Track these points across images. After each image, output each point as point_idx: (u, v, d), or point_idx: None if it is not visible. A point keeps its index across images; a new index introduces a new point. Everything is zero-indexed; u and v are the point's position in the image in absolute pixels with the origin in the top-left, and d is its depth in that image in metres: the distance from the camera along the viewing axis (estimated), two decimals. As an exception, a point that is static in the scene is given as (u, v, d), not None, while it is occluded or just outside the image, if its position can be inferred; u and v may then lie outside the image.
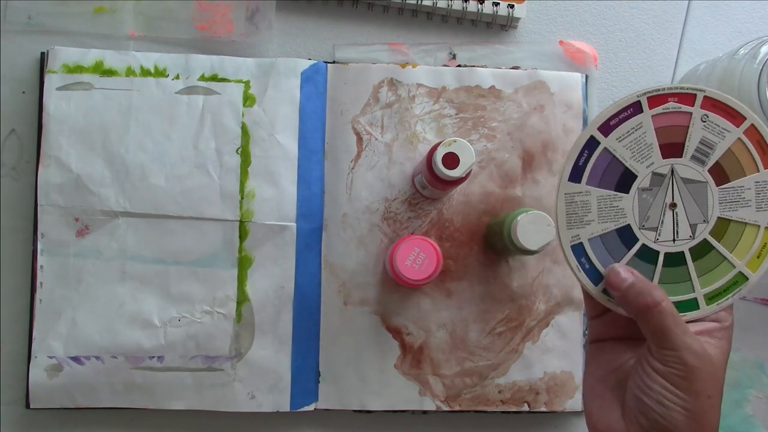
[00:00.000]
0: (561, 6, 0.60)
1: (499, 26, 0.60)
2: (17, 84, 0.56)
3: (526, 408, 0.55)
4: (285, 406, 0.54)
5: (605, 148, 0.37)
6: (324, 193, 0.56)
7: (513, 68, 0.58)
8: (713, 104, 0.37)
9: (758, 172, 0.37)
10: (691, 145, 0.37)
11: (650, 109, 0.37)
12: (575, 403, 0.55)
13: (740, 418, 0.57)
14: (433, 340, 0.55)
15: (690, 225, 0.37)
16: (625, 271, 0.36)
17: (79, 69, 0.55)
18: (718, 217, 0.37)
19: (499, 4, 0.58)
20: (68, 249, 0.53)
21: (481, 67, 0.58)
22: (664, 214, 0.37)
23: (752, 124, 0.37)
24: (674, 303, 0.36)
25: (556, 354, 0.56)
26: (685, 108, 0.37)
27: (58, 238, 0.53)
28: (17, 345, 0.54)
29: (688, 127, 0.37)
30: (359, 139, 0.56)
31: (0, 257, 0.55)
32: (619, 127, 0.37)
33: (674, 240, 0.37)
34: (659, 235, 0.37)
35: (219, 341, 0.53)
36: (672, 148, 0.37)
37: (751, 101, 0.48)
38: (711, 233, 0.37)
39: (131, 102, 0.54)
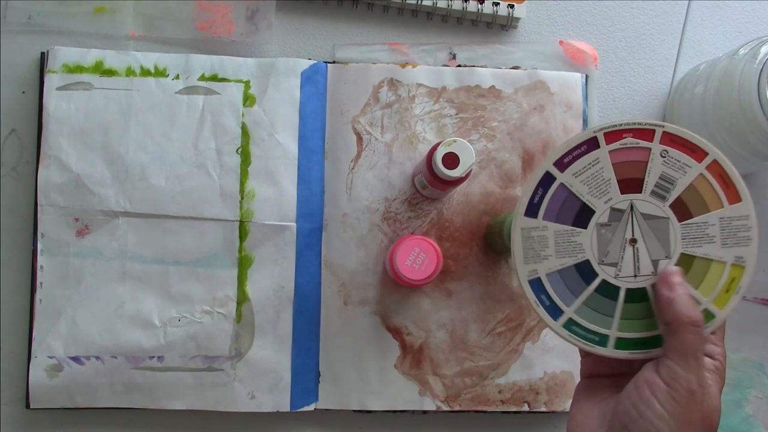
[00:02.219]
0: (561, 6, 0.60)
1: (499, 26, 0.60)
2: (17, 84, 0.56)
3: (526, 408, 0.55)
4: (285, 406, 0.54)
5: (561, 183, 0.37)
6: (324, 193, 0.56)
7: (513, 68, 0.58)
8: (672, 139, 0.36)
9: (722, 207, 0.36)
10: (650, 181, 0.37)
11: (607, 144, 0.37)
12: (575, 403, 0.55)
13: (740, 418, 0.57)
14: (433, 340, 0.55)
15: (651, 261, 0.36)
16: (681, 277, 0.35)
17: (79, 69, 0.55)
18: (682, 253, 0.36)
19: (499, 4, 0.58)
20: (68, 249, 0.53)
21: (481, 67, 0.58)
22: (624, 250, 0.37)
23: (715, 159, 0.36)
24: (637, 340, 0.36)
25: (556, 354, 0.56)
26: (643, 143, 0.37)
27: (58, 238, 0.53)
28: (17, 345, 0.54)
29: (647, 162, 0.36)
30: (359, 139, 0.56)
31: (0, 257, 0.55)
32: (576, 162, 0.37)
33: (635, 275, 0.37)
34: (619, 270, 0.37)
35: (219, 341, 0.53)
36: (631, 184, 0.37)
37: (751, 101, 0.48)
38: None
39: (131, 102, 0.54)
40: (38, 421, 0.54)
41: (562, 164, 0.37)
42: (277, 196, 0.55)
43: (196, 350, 0.53)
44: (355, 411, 0.55)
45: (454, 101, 0.57)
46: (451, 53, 0.59)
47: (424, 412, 0.55)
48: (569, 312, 0.37)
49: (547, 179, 0.37)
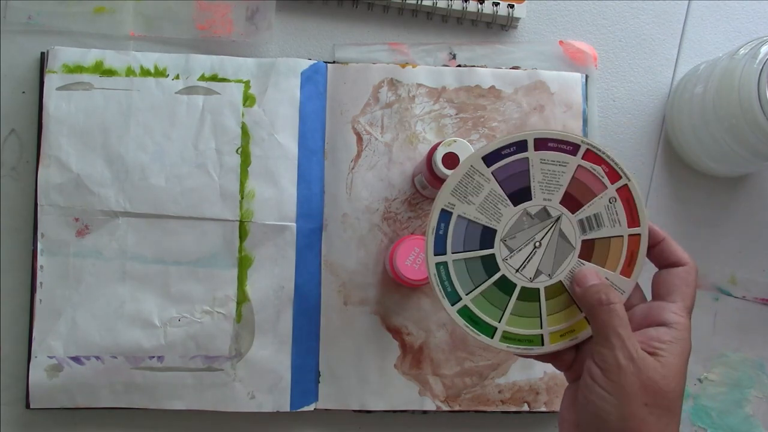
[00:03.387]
0: (561, 6, 0.60)
1: (499, 26, 0.60)
2: (17, 84, 0.56)
3: (526, 408, 0.55)
4: (285, 406, 0.54)
5: (527, 157, 0.38)
6: (324, 193, 0.56)
7: (513, 68, 0.58)
8: (628, 197, 0.38)
9: (613, 272, 0.38)
10: (586, 211, 0.38)
11: (582, 159, 0.38)
12: (575, 403, 0.55)
13: (740, 418, 0.57)
14: (433, 340, 0.55)
15: (536, 270, 0.38)
16: (595, 276, 0.37)
17: (79, 69, 0.55)
18: (560, 281, 0.38)
19: (499, 4, 0.58)
20: (68, 249, 0.53)
21: (481, 67, 0.58)
22: (525, 245, 0.38)
23: (639, 235, 0.38)
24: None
25: (556, 354, 0.56)
26: (605, 180, 0.38)
27: (58, 238, 0.53)
28: (17, 345, 0.54)
29: (596, 196, 0.38)
30: (359, 139, 0.56)
31: (0, 257, 0.55)
32: (551, 152, 0.38)
33: (517, 270, 0.38)
34: (510, 257, 0.38)
35: (219, 341, 0.53)
36: (573, 202, 0.38)
37: (751, 101, 0.48)
38: (546, 288, 0.39)
39: (131, 102, 0.54)
40: (38, 421, 0.54)
41: (542, 144, 0.38)
42: (277, 196, 0.55)
43: (196, 350, 0.53)
44: (355, 411, 0.55)
45: (454, 101, 0.57)
46: (451, 53, 0.59)
47: (424, 412, 0.55)
48: (449, 256, 0.39)
49: (521, 146, 0.38)
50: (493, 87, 0.57)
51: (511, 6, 0.58)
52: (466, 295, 0.39)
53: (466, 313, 0.39)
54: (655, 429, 0.34)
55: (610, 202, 0.38)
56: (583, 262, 0.38)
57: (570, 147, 0.38)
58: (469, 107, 0.57)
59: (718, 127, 0.52)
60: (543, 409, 0.55)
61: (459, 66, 0.58)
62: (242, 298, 0.54)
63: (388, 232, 0.56)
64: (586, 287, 0.37)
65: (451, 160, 0.47)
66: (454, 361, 0.55)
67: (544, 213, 0.38)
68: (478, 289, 0.39)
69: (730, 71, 0.50)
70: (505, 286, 0.39)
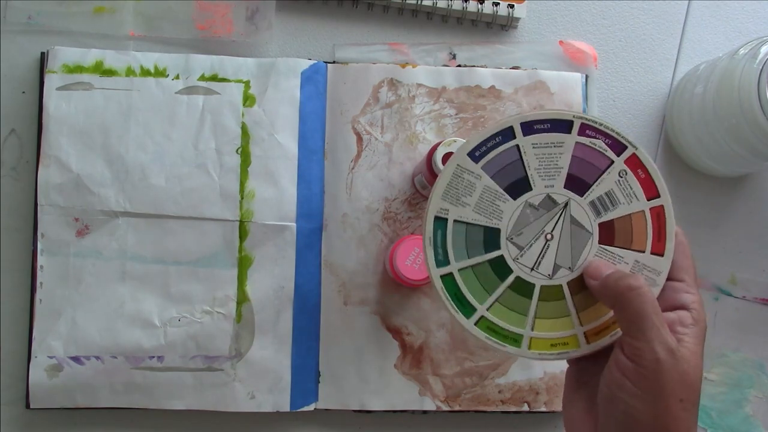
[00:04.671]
0: (561, 6, 0.60)
1: (499, 26, 0.60)
2: (17, 84, 0.56)
3: (526, 408, 0.55)
4: (285, 406, 0.54)
5: (517, 145, 0.35)
6: (324, 193, 0.56)
7: (513, 68, 0.58)
8: (638, 166, 0.35)
9: (644, 252, 0.35)
10: (596, 191, 0.35)
11: (578, 135, 0.35)
12: (575, 403, 0.55)
13: (740, 418, 0.57)
14: (433, 340, 0.55)
15: (554, 264, 0.35)
16: (605, 265, 0.34)
17: (79, 69, 0.55)
18: (582, 274, 0.35)
19: (499, 4, 0.58)
20: (68, 249, 0.53)
21: (481, 67, 0.58)
22: (536, 240, 0.35)
23: (662, 205, 0.35)
24: (505, 332, 0.35)
25: (556, 354, 0.56)
26: (610, 153, 0.35)
27: (58, 238, 0.53)
28: (17, 345, 0.54)
29: (603, 172, 0.35)
30: (359, 139, 0.56)
31: (0, 257, 0.55)
32: (542, 134, 0.35)
33: (532, 269, 0.35)
34: (521, 255, 0.35)
35: (219, 341, 0.53)
36: (578, 183, 0.35)
37: (751, 101, 0.48)
38: (569, 284, 0.35)
39: (131, 102, 0.54)
40: (38, 421, 0.54)
41: (530, 128, 0.35)
42: (277, 196, 0.55)
43: (196, 350, 0.53)
44: (355, 411, 0.55)
45: (454, 101, 0.57)
46: (451, 53, 0.59)
47: (424, 412, 0.55)
48: (453, 266, 0.35)
49: (507, 134, 0.35)
50: (493, 87, 0.57)
51: (511, 6, 0.58)
52: (481, 305, 0.35)
53: (485, 324, 0.35)
54: (686, 425, 0.31)
55: (621, 176, 0.35)
56: (606, 248, 0.35)
57: (563, 125, 0.35)
58: (469, 107, 0.57)
59: (718, 127, 0.52)
60: (543, 409, 0.55)
61: (459, 66, 0.58)
62: (242, 298, 0.54)
63: (388, 232, 0.56)
64: (602, 278, 0.34)
65: (451, 160, 0.47)
66: (454, 361, 0.55)
67: (549, 201, 0.35)
68: (493, 296, 0.35)
69: (730, 71, 0.50)
70: (523, 288, 0.35)
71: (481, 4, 0.58)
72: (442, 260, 0.35)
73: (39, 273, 0.53)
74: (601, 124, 0.35)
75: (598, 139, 0.35)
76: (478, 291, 0.35)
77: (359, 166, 0.56)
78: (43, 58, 0.55)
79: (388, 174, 0.56)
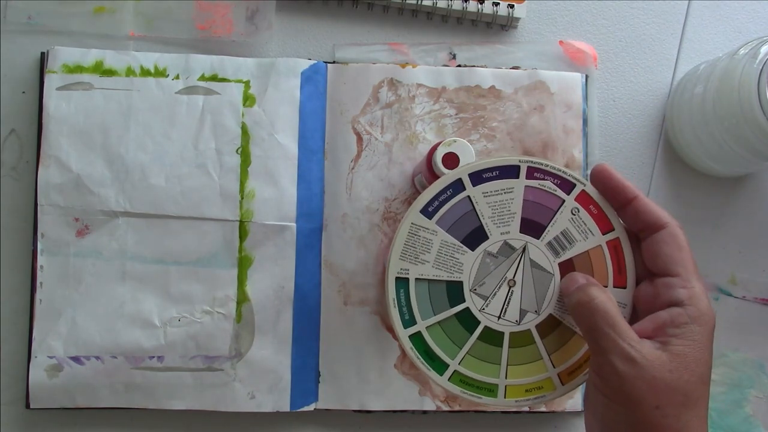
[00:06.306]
0: (561, 6, 0.60)
1: (499, 26, 0.60)
2: (17, 84, 0.56)
3: (526, 408, 0.55)
4: (285, 406, 0.54)
5: (469, 196, 0.36)
6: (324, 193, 0.56)
7: (513, 68, 0.58)
8: (590, 202, 0.35)
9: (605, 286, 0.35)
10: (552, 232, 0.35)
11: (527, 179, 0.35)
12: (575, 403, 0.55)
13: (740, 418, 0.57)
14: (433, 340, 0.55)
15: (520, 310, 0.35)
16: (581, 277, 0.34)
17: (79, 69, 0.55)
18: (550, 314, 0.35)
19: (499, 4, 0.58)
20: (68, 249, 0.53)
21: (481, 67, 0.58)
22: (499, 287, 0.35)
23: (618, 237, 0.35)
24: (475, 382, 0.35)
25: (556, 354, 0.56)
26: (560, 192, 0.35)
27: (58, 238, 0.53)
28: (17, 345, 0.54)
29: (555, 212, 0.35)
30: (359, 139, 0.56)
31: (0, 257, 0.55)
32: (491, 182, 0.35)
33: (499, 318, 0.35)
34: (486, 305, 0.35)
35: (219, 341, 0.53)
36: (533, 226, 0.35)
37: (751, 101, 0.48)
38: (537, 327, 0.35)
39: (131, 102, 0.55)
40: (38, 421, 0.54)
41: (478, 178, 0.35)
42: (277, 196, 0.55)
43: (196, 350, 0.53)
44: (355, 411, 0.55)
45: (454, 101, 0.57)
46: (451, 53, 0.59)
47: (424, 412, 0.55)
48: (420, 325, 0.35)
49: (457, 186, 0.36)
50: (493, 87, 0.57)
51: (511, 6, 0.58)
52: (453, 359, 0.35)
53: (459, 378, 0.35)
54: (673, 431, 0.30)
55: (573, 214, 0.35)
56: None
57: (511, 170, 0.35)
58: (469, 107, 0.57)
59: (718, 127, 0.52)
60: (543, 409, 0.55)
61: (459, 66, 0.58)
62: (242, 298, 0.54)
63: (388, 232, 0.56)
64: (571, 291, 0.34)
65: (451, 160, 0.47)
66: (454, 361, 0.55)
67: (507, 248, 0.35)
68: (463, 349, 0.35)
69: (730, 71, 0.50)
70: (492, 337, 0.35)
71: (481, 4, 0.58)
72: (409, 320, 0.36)
73: (39, 273, 0.53)
74: (547, 165, 0.35)
75: (546, 180, 0.35)
76: (448, 346, 0.35)
77: (359, 166, 0.56)
78: (43, 58, 0.55)
79: (388, 174, 0.56)
